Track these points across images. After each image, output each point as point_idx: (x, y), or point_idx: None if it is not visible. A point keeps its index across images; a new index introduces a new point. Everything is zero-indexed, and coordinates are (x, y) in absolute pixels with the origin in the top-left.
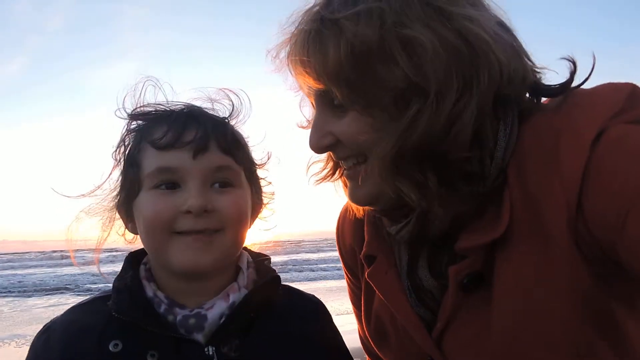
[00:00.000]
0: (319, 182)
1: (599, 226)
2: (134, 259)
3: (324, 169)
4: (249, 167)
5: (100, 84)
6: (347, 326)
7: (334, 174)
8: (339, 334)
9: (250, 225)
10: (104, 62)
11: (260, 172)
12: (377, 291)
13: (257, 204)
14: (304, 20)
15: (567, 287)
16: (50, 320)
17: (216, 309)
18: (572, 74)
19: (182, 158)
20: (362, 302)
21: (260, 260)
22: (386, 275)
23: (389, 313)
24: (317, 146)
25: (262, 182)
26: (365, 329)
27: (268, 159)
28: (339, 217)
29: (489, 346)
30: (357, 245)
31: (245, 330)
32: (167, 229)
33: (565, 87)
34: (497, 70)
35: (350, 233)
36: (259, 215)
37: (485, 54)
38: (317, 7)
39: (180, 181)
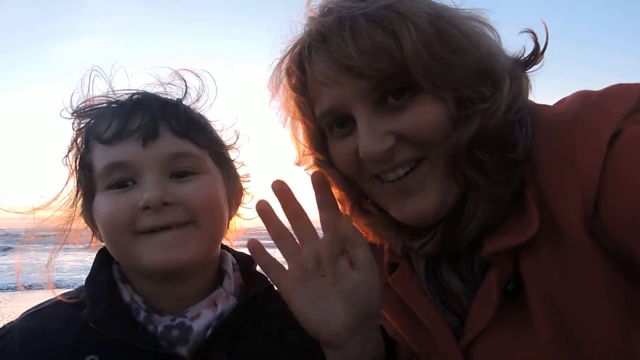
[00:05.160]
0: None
1: (616, 225)
2: (105, 257)
3: (346, 207)
4: (216, 149)
5: (62, 60)
6: None
7: (355, 204)
8: None
9: (233, 214)
10: (66, 36)
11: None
12: (402, 297)
13: (235, 191)
14: (333, 19)
15: (600, 287)
16: (4, 327)
17: (202, 320)
18: (536, 40)
19: (131, 149)
20: None
21: (246, 262)
22: (411, 280)
23: (409, 327)
24: (380, 150)
25: (235, 165)
26: None
27: (237, 138)
28: None
29: (527, 356)
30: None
31: (232, 342)
32: (128, 230)
33: (536, 53)
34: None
35: None
36: (241, 203)
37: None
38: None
39: (135, 176)
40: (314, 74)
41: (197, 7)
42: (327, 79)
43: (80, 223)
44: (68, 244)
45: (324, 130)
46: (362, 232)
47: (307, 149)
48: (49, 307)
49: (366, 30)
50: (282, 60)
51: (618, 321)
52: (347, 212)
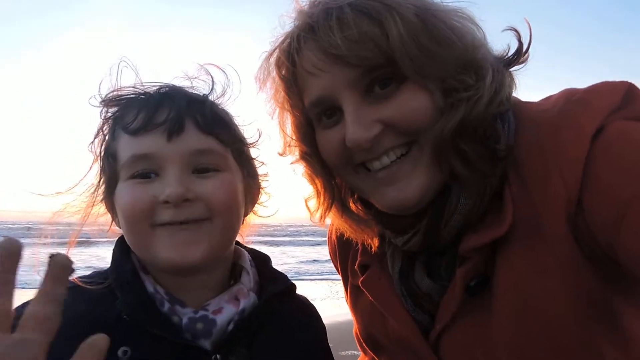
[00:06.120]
0: (322, 218)
1: (598, 222)
2: (126, 246)
3: (322, 202)
4: (238, 147)
5: (68, 50)
6: None
7: (332, 200)
8: (326, 336)
9: (248, 212)
10: (73, 25)
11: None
12: (371, 298)
13: (253, 188)
14: (320, 10)
15: (569, 286)
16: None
17: (225, 314)
18: (519, 39)
19: (156, 142)
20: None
21: (261, 259)
22: (379, 282)
23: (380, 326)
24: (367, 138)
25: (255, 163)
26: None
27: (259, 136)
28: (331, 228)
29: (489, 350)
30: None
31: (251, 338)
32: (147, 221)
33: (520, 52)
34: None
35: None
36: (258, 201)
37: (485, 46)
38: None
39: (158, 169)
40: (303, 64)
41: None
42: (315, 68)
43: (100, 209)
44: (87, 231)
45: (312, 121)
46: (338, 228)
47: (292, 141)
48: (75, 288)
49: (353, 20)
50: (271, 53)
51: (582, 319)
52: (325, 207)
